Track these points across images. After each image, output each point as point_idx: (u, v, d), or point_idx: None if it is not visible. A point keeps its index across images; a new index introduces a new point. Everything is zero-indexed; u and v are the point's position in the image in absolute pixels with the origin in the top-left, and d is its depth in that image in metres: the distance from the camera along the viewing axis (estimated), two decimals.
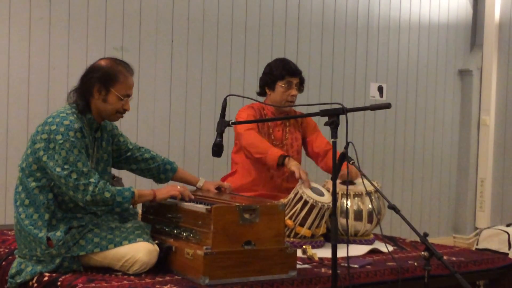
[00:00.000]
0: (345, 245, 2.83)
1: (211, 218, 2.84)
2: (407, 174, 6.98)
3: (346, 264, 2.89)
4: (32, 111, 4.91)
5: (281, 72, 4.06)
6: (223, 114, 3.20)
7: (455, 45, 7.29)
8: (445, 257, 3.27)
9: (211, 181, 3.59)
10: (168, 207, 3.19)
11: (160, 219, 3.25)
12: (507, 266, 3.67)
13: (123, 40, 5.28)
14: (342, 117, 2.79)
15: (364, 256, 3.54)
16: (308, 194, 3.59)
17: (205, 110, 5.67)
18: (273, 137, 4.13)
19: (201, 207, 2.96)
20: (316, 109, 3.79)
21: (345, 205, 3.73)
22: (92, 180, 2.94)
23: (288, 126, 4.19)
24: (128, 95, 3.13)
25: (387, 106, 2.92)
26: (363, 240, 3.80)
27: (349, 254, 2.83)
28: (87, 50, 5.11)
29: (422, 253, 2.59)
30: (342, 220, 3.71)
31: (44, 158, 2.96)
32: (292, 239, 3.62)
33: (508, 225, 5.64)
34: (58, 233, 2.95)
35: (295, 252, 3.01)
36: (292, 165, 3.76)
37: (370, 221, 3.78)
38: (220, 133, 3.19)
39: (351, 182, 3.91)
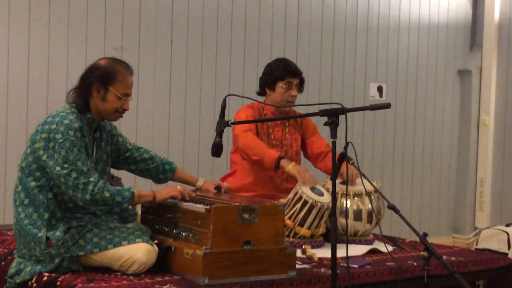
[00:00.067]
0: (345, 245, 2.83)
1: (210, 218, 2.84)
2: (406, 174, 6.98)
3: (345, 264, 2.88)
4: (32, 111, 4.91)
5: (281, 73, 4.05)
6: (222, 114, 3.20)
7: (454, 45, 7.28)
8: (444, 257, 3.27)
9: (210, 181, 3.59)
10: (167, 207, 3.19)
11: (159, 219, 3.25)
12: (507, 266, 3.67)
13: (123, 40, 5.28)
14: (341, 117, 2.79)
15: (363, 256, 3.54)
16: (307, 194, 3.59)
17: (204, 110, 5.67)
18: (273, 137, 4.12)
19: (200, 207, 2.96)
20: (315, 109, 3.79)
21: (344, 205, 3.73)
22: (91, 179, 2.94)
23: (287, 127, 4.19)
24: (127, 95, 3.12)
25: (386, 106, 2.92)
26: (363, 240, 3.80)
27: (349, 254, 2.83)
28: (86, 50, 5.11)
29: (422, 253, 2.59)
30: (341, 220, 3.71)
31: (44, 157, 2.96)
32: (291, 239, 3.62)
33: (507, 225, 5.63)
34: (58, 233, 2.94)
35: (295, 252, 3.01)
36: (290, 168, 3.75)
37: (369, 221, 3.78)
38: (219, 133, 3.19)
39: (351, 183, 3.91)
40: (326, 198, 3.62)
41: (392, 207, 2.63)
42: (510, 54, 7.04)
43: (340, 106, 2.79)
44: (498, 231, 5.49)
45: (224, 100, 3.20)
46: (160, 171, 3.46)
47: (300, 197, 3.59)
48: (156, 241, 3.05)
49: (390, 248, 3.77)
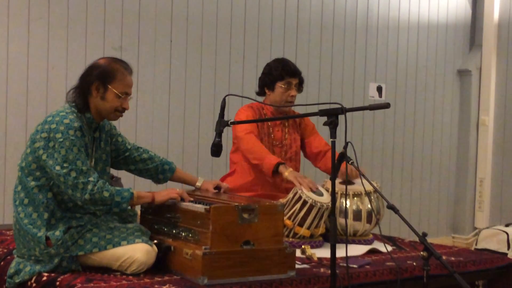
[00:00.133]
0: (344, 245, 2.83)
1: (209, 218, 2.84)
2: (406, 174, 6.98)
3: (345, 264, 2.88)
4: (31, 111, 4.90)
5: (280, 73, 4.05)
6: (222, 114, 3.20)
7: (454, 45, 7.29)
8: (444, 257, 3.27)
9: (210, 181, 3.59)
10: (167, 207, 3.19)
11: (159, 219, 3.25)
12: (506, 266, 3.67)
13: (122, 40, 5.27)
14: (341, 117, 2.78)
15: (363, 256, 3.54)
16: (307, 194, 3.59)
17: (204, 110, 5.67)
18: (273, 137, 4.12)
19: (200, 207, 2.96)
20: (315, 109, 3.78)
21: (344, 205, 3.73)
22: (91, 178, 2.94)
23: (287, 127, 4.19)
24: (127, 93, 3.12)
25: (386, 106, 2.92)
26: (362, 240, 3.80)
27: (348, 254, 2.83)
28: (86, 50, 5.11)
29: (421, 253, 2.59)
30: (341, 220, 3.71)
31: (44, 157, 2.96)
32: (291, 239, 3.62)
33: (507, 225, 5.63)
34: (57, 233, 2.94)
35: (294, 252, 3.01)
36: (286, 175, 3.74)
37: (369, 221, 3.78)
38: (219, 133, 3.19)
39: (350, 182, 3.91)
40: (326, 198, 3.62)
41: (391, 207, 2.63)
42: (510, 54, 7.04)
43: (339, 106, 2.79)
44: (497, 231, 5.48)
45: (224, 100, 3.20)
46: (159, 171, 3.45)
47: (300, 197, 3.59)
48: (155, 241, 3.05)
49: (389, 248, 3.77)
